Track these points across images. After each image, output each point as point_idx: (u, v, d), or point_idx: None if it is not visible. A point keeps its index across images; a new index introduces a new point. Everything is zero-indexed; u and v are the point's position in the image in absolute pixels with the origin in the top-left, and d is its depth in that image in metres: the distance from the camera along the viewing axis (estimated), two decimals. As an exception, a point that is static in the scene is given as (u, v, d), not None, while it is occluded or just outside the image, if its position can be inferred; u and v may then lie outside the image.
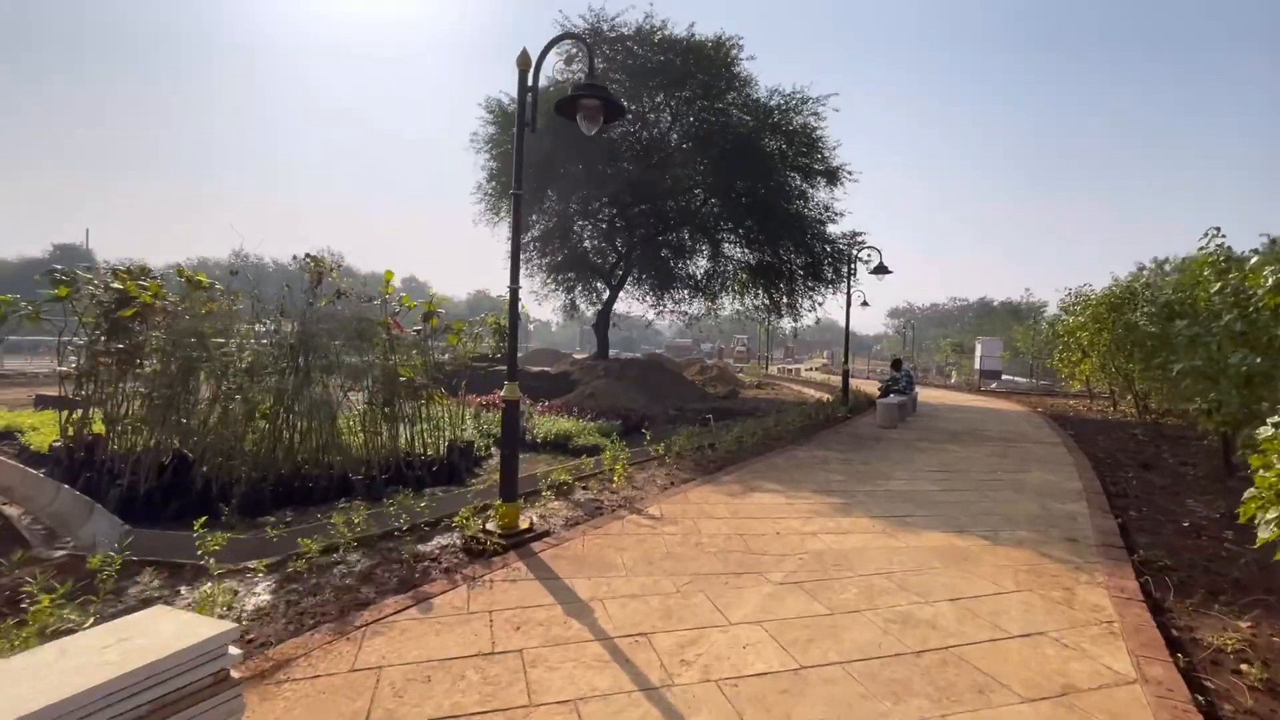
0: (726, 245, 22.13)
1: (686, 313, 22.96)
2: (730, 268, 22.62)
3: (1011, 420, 13.35)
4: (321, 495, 6.04)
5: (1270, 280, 5.45)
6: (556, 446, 9.40)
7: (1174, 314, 7.97)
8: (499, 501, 4.66)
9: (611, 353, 47.05)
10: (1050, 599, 3.69)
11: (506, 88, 18.71)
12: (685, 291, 23.21)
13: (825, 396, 19.86)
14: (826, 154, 19.50)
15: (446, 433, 7.46)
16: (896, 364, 14.01)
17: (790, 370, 34.57)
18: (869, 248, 16.80)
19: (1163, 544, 4.89)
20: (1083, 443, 10.12)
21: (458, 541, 4.57)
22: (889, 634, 3.19)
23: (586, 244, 21.45)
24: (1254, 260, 5.88)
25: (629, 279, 22.80)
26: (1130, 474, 7.62)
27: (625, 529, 4.98)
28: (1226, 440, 7.84)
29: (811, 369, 40.62)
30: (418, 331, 7.51)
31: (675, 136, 18.74)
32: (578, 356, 30.46)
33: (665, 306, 23.12)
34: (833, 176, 19.56)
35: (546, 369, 20.45)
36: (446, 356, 8.88)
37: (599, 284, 22.15)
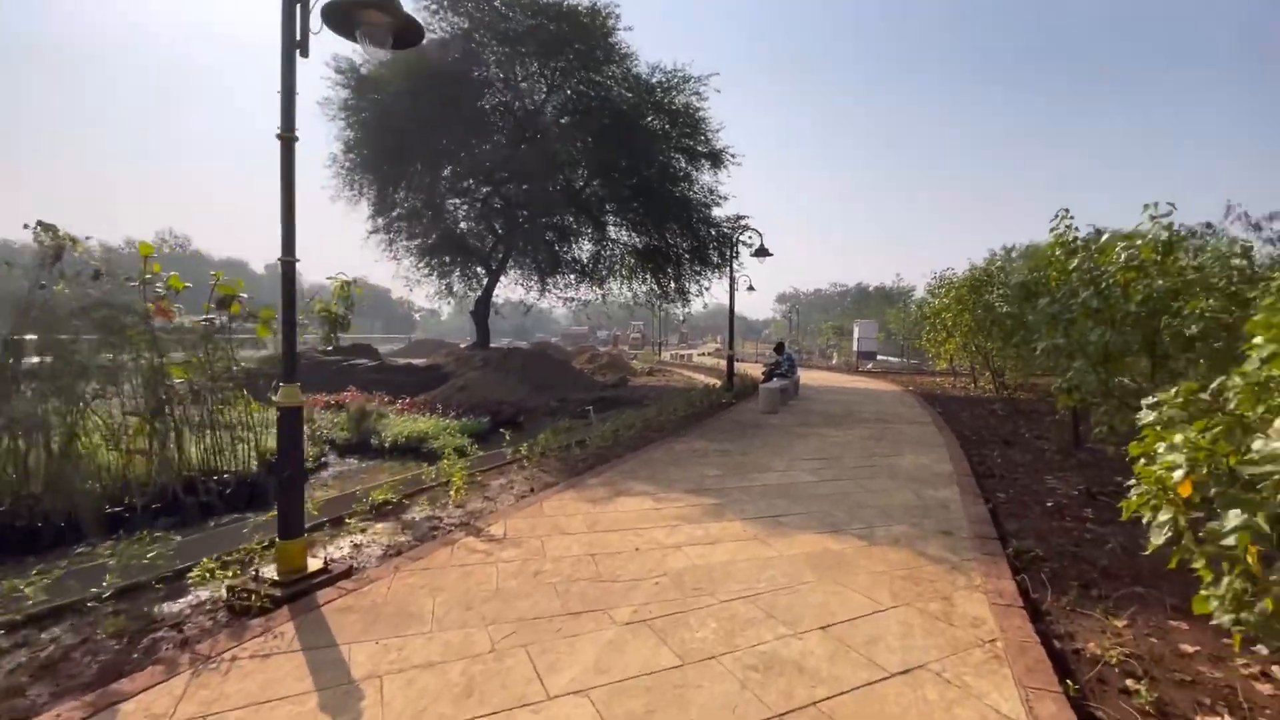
0: (612, 228, 21.45)
1: (573, 298, 22.08)
2: (617, 251, 21.97)
3: (886, 400, 13.71)
4: (55, 539, 4.60)
5: (1122, 256, 5.45)
6: (409, 451, 8.23)
7: (1030, 293, 8.18)
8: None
9: (503, 341, 45.27)
10: (929, 615, 3.22)
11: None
12: (572, 276, 22.31)
13: (714, 382, 19.76)
14: (710, 136, 19.25)
15: (250, 445, 6.10)
16: (779, 348, 13.98)
17: (683, 356, 34.75)
18: (751, 230, 16.71)
19: (1032, 529, 4.70)
20: (950, 421, 10.39)
21: (224, 595, 3.46)
22: (748, 688, 2.53)
23: (462, 225, 19.90)
24: (1105, 237, 5.91)
25: (511, 263, 21.53)
26: (995, 452, 7.72)
27: (454, 558, 4.07)
28: (1076, 415, 8.17)
29: (704, 354, 41.14)
30: (208, 321, 6.06)
31: (552, 109, 17.63)
32: (463, 347, 28.68)
33: (550, 291, 22.10)
34: (716, 159, 19.36)
35: (416, 361, 18.79)
36: (264, 352, 7.42)
37: (479, 268, 20.67)
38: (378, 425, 8.96)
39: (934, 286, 18.81)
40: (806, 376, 21.06)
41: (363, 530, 4.73)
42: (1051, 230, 8.14)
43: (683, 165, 19.67)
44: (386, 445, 8.35)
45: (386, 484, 5.64)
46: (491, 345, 22.73)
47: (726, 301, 16.00)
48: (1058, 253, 8.06)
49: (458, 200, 18.79)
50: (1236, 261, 4.86)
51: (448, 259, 20.01)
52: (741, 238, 19.05)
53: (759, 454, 7.44)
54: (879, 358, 35.19)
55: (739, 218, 17.97)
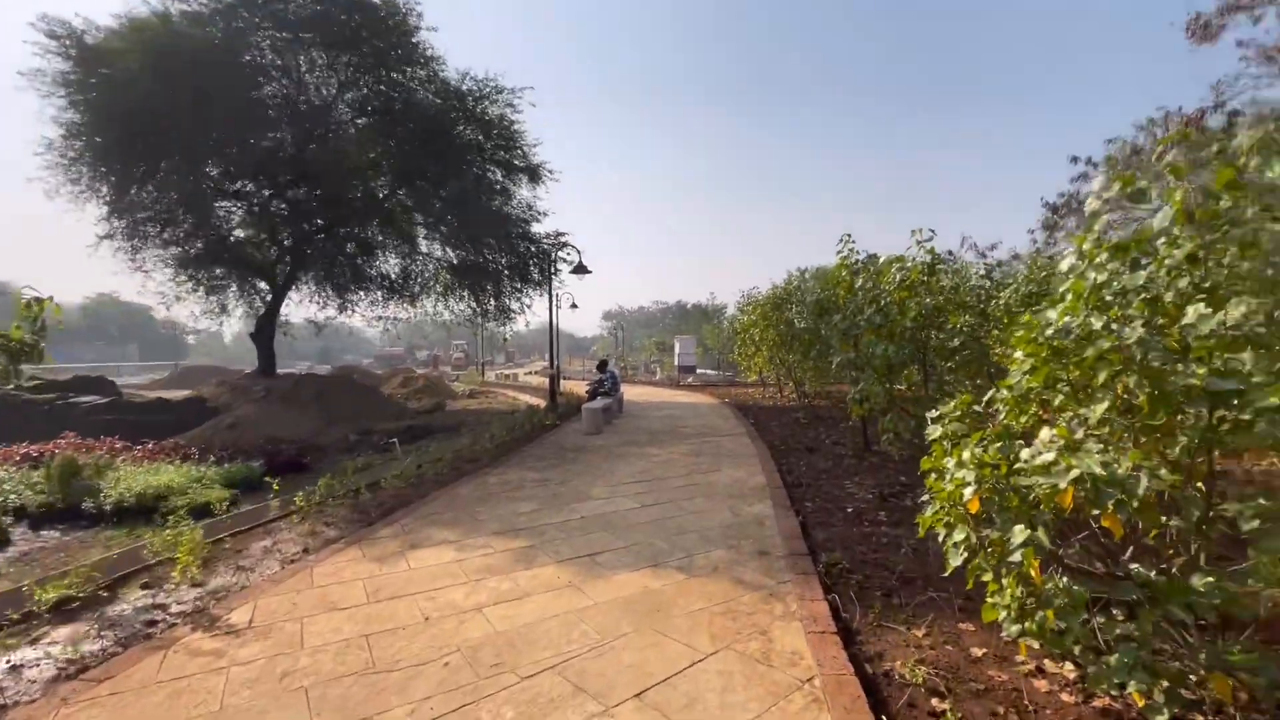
0: (424, 242, 19.97)
1: (383, 316, 20.10)
2: (431, 267, 20.48)
3: (705, 414, 14.21)
4: None
5: (897, 277, 5.98)
6: (143, 514, 6.46)
7: (824, 310, 8.89)
8: None
9: (302, 367, 40.05)
10: (749, 658, 2.99)
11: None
12: (379, 293, 20.31)
13: (539, 402, 19.12)
14: (526, 150, 18.76)
15: None
16: (601, 365, 13.83)
17: (509, 375, 33.53)
18: (570, 246, 16.53)
19: (838, 538, 4.84)
20: (762, 431, 10.95)
21: None
22: (547, 805, 2.02)
23: (238, 233, 17.06)
24: (882, 260, 6.48)
25: (304, 277, 19.01)
26: (801, 461, 8.15)
27: (166, 668, 3.02)
28: (865, 422, 9.00)
29: (531, 373, 40.22)
30: None
31: (346, 108, 15.86)
32: (244, 375, 24.57)
33: (352, 310, 19.89)
34: (534, 174, 18.91)
35: (172, 395, 15.57)
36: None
37: (260, 283, 17.86)
38: (98, 482, 6.95)
39: (743, 304, 20.21)
40: (632, 393, 21.35)
41: (33, 641, 3.43)
42: (837, 254, 8.94)
43: (499, 179, 18.94)
44: (108, 508, 6.46)
45: (89, 565, 4.23)
46: (283, 372, 19.79)
47: (553, 319, 15.55)
48: (844, 274, 8.88)
49: (230, 203, 16.04)
50: (980, 282, 5.57)
51: (219, 272, 16.99)
52: (561, 254, 18.89)
53: (580, 481, 7.03)
54: (699, 371, 37.25)
55: (559, 234, 17.71)
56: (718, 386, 24.54)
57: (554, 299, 13.98)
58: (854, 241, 8.76)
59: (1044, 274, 6.52)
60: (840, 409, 14.48)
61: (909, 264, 5.71)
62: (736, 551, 4.53)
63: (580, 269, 13.17)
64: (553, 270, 17.80)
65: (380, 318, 19.95)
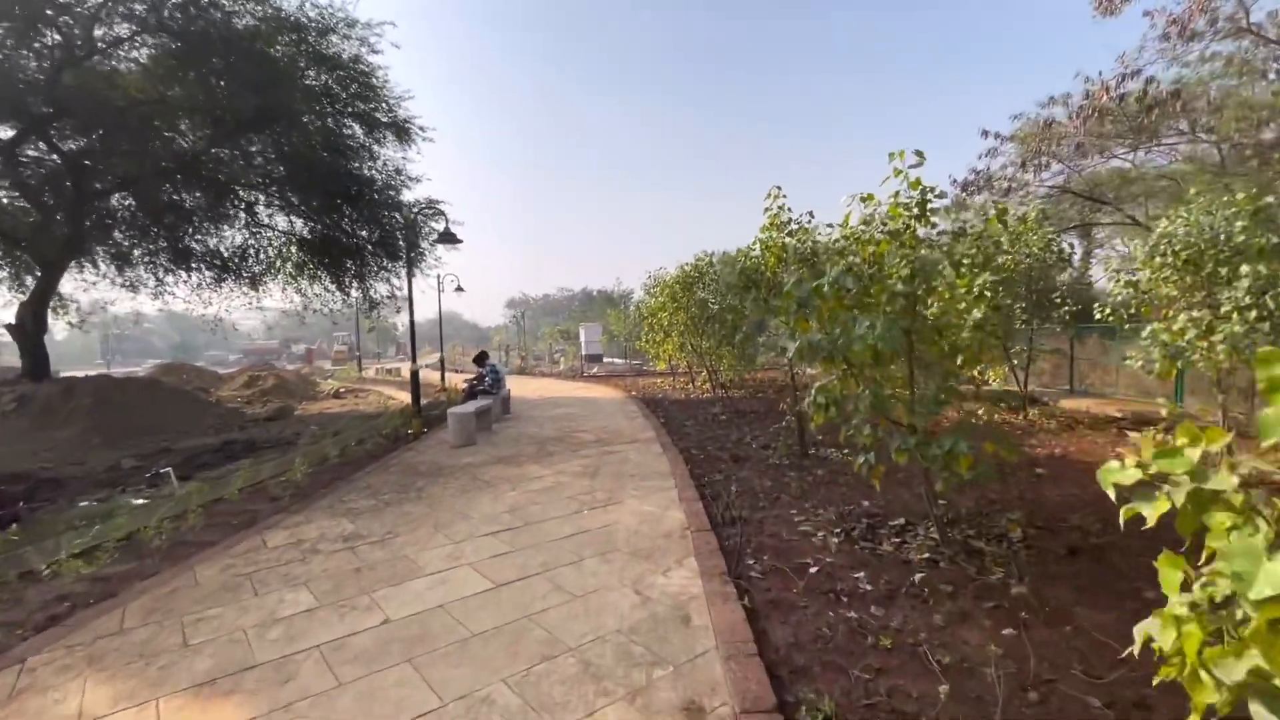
0: (264, 210, 16.38)
1: (208, 302, 16.34)
2: (277, 241, 16.91)
3: (608, 411, 12.11)
4: None
5: (876, 219, 4.08)
6: None
7: (750, 283, 7.00)
8: None
9: (146, 366, 33.97)
10: None
11: None
12: (210, 273, 16.49)
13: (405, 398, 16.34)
14: (392, 102, 15.69)
15: None
16: (480, 358, 11.34)
17: (392, 370, 29.80)
18: (437, 212, 13.77)
19: (810, 642, 2.87)
20: (675, 433, 9.00)
21: None
22: None
23: (-15, 191, 12.83)
24: (845, 200, 4.56)
25: (97, 252, 14.97)
26: (728, 477, 6.22)
27: None
28: (800, 419, 7.23)
29: (423, 366, 36.40)
30: None
31: (123, 24, 11.99)
32: None
33: (169, 293, 16.04)
34: (401, 131, 15.85)
35: None
36: None
37: (23, 257, 13.68)
38: None
39: (649, 286, 18.27)
40: (528, 386, 18.89)
41: None
42: (765, 210, 7.06)
43: (360, 136, 15.76)
44: None
45: None
46: (86, 375, 15.58)
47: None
48: (774, 234, 7.01)
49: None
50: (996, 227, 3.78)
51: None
52: (433, 224, 16.07)
53: (414, 535, 4.67)
54: (605, 360, 35.19)
55: (431, 202, 14.83)
56: (624, 377, 22.57)
57: (410, 279, 11.21)
58: (785, 195, 6.96)
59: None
60: (762, 399, 12.91)
61: (888, 202, 3.85)
62: (645, 713, 2.42)
63: (448, 238, 10.56)
64: (419, 243, 15.10)
65: (208, 302, 16.15)
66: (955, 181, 19.21)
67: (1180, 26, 14.41)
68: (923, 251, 3.62)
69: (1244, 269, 5.56)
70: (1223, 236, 5.84)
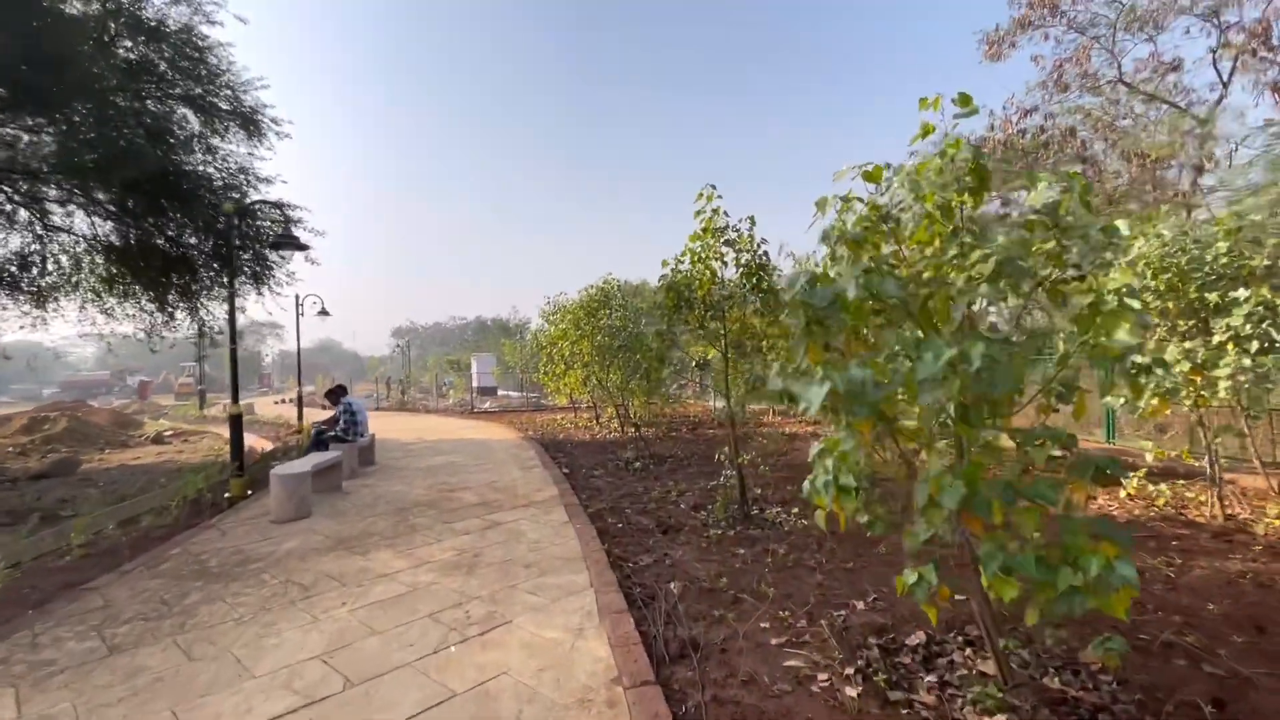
0: (58, 210, 12.98)
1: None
2: (78, 249, 13.43)
3: (500, 458, 10.13)
4: None
5: (908, 196, 2.68)
6: None
7: (682, 301, 5.50)
8: None
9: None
10: None
11: None
12: (-27, 288, 12.70)
13: (265, 446, 13.42)
14: (238, 89, 13.07)
15: None
16: (334, 393, 8.96)
17: (246, 406, 25.52)
18: (285, 216, 11.37)
19: None
20: (582, 490, 7.25)
21: None
22: None
23: None
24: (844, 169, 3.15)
25: None
26: (664, 565, 4.58)
27: None
28: (742, 474, 5.78)
29: (283, 400, 31.85)
30: None
31: None
32: None
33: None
34: (250, 122, 13.22)
35: None
36: None
37: None
38: None
39: (548, 313, 16.53)
40: (407, 426, 16.32)
41: None
42: (697, 214, 5.68)
43: (194, 125, 12.95)
44: None
45: None
46: None
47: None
48: (709, 241, 5.62)
49: None
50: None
51: None
52: (274, 229, 13.49)
53: (128, 727, 2.61)
54: (500, 392, 32.66)
55: (277, 204, 12.24)
56: (520, 412, 20.45)
57: (233, 291, 8.63)
58: (720, 196, 5.62)
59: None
60: (678, 440, 11.39)
61: (931, 164, 2.52)
62: None
63: (286, 241, 8.25)
64: (250, 249, 12.58)
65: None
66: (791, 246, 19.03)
67: (1057, 76, 15.13)
68: (999, 239, 2.27)
69: (1242, 293, 4.87)
70: (1209, 257, 5.17)
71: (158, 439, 15.21)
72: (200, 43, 12.36)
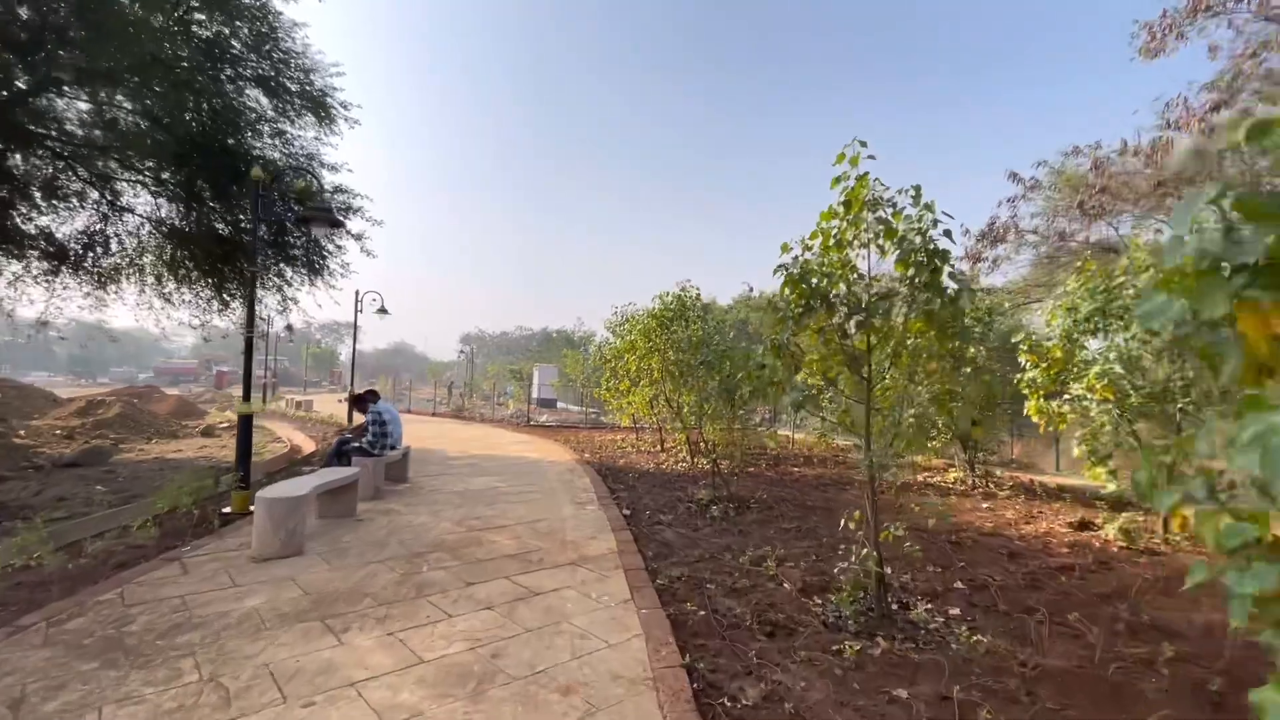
0: (127, 188, 12.68)
1: (26, 300, 12.32)
2: (142, 232, 13.11)
3: (549, 485, 8.65)
4: None
5: None
6: None
7: (816, 299, 3.82)
8: None
9: (33, 378, 28.66)
10: None
11: None
12: (43, 263, 12.51)
13: (310, 446, 12.58)
14: (309, 70, 12.47)
15: None
16: (361, 400, 7.71)
17: (300, 404, 25.36)
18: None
19: None
20: (647, 544, 5.61)
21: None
22: None
23: None
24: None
25: None
26: (776, 712, 2.86)
27: None
28: (881, 562, 3.98)
29: (342, 400, 31.91)
30: None
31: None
32: None
33: (-26, 287, 11.99)
34: (320, 107, 12.59)
35: None
36: None
37: None
38: None
39: (614, 324, 15.11)
40: (456, 436, 15.21)
41: None
42: (835, 182, 4.03)
43: (263, 106, 12.42)
44: None
45: None
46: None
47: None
48: (856, 217, 3.95)
49: None
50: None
51: None
52: (349, 229, 12.75)
53: None
54: (559, 405, 31.62)
55: (337, 190, 11.41)
56: (578, 429, 19.09)
57: (253, 274, 7.56)
58: (873, 157, 3.96)
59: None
60: (758, 478, 9.43)
61: None
62: None
63: (319, 215, 7.07)
64: (319, 249, 11.79)
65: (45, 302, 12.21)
66: (968, 231, 16.91)
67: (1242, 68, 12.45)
68: None
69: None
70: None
71: (208, 431, 14.73)
72: (274, 21, 11.78)
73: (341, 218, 12.53)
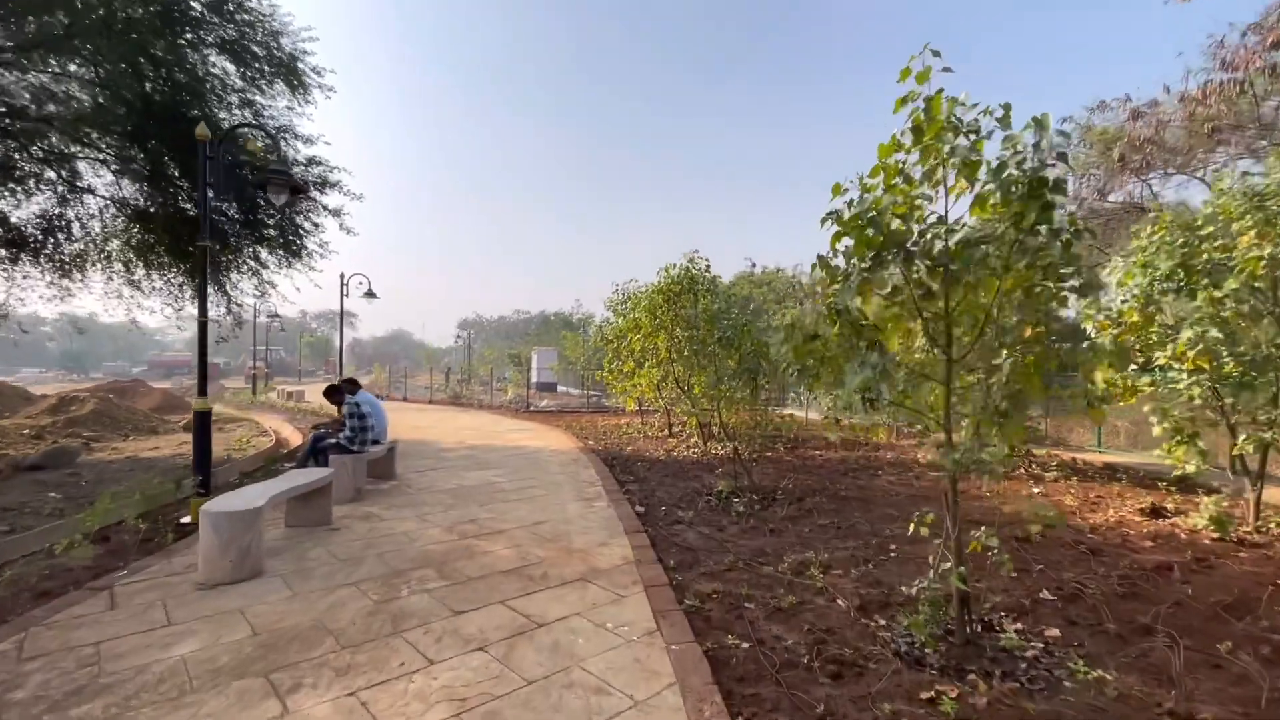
0: (85, 167, 11.72)
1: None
2: (106, 215, 12.18)
3: (552, 479, 7.88)
4: None
5: None
6: None
7: (893, 245, 2.98)
8: None
9: (23, 374, 27.82)
10: None
11: None
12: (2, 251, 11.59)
13: (296, 439, 11.82)
14: (279, 34, 11.46)
15: None
16: (337, 391, 6.84)
17: (291, 394, 24.49)
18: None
19: None
20: (668, 550, 4.84)
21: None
22: None
23: None
24: None
25: None
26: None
27: None
28: (966, 597, 3.19)
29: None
30: None
31: None
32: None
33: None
34: (291, 73, 11.61)
35: None
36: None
37: None
38: None
39: (615, 302, 14.25)
40: (454, 424, 14.44)
41: None
42: (900, 103, 3.19)
43: (229, 74, 11.42)
44: None
45: None
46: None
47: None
48: (927, 145, 3.11)
49: None
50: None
51: None
52: (325, 203, 11.86)
53: None
54: (559, 389, 30.84)
55: (311, 161, 10.51)
56: (580, 414, 18.32)
57: (206, 251, 6.66)
58: (948, 69, 3.10)
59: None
60: (774, 461, 8.47)
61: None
62: None
63: (277, 178, 6.13)
64: (296, 229, 10.93)
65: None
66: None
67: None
68: None
69: None
70: None
71: (189, 426, 13.92)
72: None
73: (316, 190, 11.60)
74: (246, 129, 9.26)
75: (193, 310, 13.03)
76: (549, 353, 32.67)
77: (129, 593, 3.78)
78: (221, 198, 11.26)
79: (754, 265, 32.86)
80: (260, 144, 9.15)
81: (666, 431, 12.75)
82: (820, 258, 3.40)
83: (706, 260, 10.19)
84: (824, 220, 3.35)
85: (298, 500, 5.10)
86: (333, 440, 6.31)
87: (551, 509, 6.09)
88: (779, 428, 12.93)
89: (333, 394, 6.69)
